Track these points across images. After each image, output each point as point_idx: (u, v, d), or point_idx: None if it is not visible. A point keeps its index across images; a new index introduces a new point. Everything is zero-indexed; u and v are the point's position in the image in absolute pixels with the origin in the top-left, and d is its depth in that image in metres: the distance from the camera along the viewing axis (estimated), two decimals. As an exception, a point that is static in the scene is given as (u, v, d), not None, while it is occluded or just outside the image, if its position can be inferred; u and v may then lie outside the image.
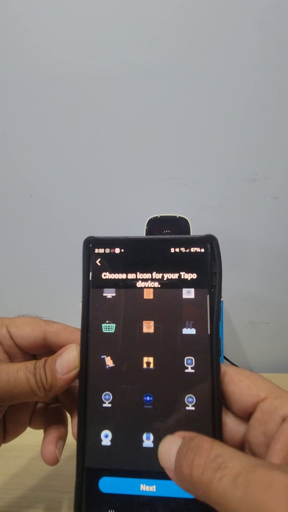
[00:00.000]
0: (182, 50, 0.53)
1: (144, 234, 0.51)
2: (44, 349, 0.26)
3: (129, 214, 0.60)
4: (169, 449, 0.18)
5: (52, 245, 0.62)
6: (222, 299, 0.50)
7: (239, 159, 0.57)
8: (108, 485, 0.21)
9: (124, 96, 0.55)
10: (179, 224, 0.50)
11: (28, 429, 0.29)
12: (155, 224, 0.51)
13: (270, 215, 0.58)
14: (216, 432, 0.21)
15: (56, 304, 0.65)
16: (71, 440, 0.27)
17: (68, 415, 0.28)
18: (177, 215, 0.51)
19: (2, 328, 0.26)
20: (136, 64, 0.54)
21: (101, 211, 0.60)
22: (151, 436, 0.22)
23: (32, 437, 0.28)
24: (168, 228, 0.50)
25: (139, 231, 0.51)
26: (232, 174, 0.57)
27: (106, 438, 0.22)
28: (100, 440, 0.22)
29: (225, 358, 0.55)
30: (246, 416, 0.21)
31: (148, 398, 0.22)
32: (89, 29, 0.53)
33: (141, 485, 0.21)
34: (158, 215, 0.51)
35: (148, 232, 0.51)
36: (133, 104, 0.56)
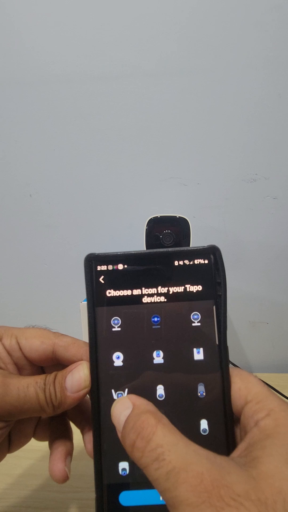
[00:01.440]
0: (182, 51, 0.53)
1: (144, 234, 0.51)
2: (52, 362, 0.26)
3: (129, 214, 0.60)
4: (120, 412, 0.19)
5: (52, 245, 0.62)
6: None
7: (239, 159, 0.57)
8: (128, 498, 0.22)
9: (124, 96, 0.55)
10: (179, 224, 0.50)
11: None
12: (155, 224, 0.51)
13: (270, 215, 0.58)
14: (229, 446, 0.21)
15: (56, 304, 0.65)
16: (74, 441, 0.27)
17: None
18: (177, 215, 0.51)
19: (12, 339, 0.26)
20: (136, 64, 0.54)
21: (101, 211, 0.60)
22: None
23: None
24: (168, 228, 0.50)
25: (139, 231, 0.51)
26: (232, 174, 0.57)
27: (124, 455, 0.22)
28: (117, 458, 0.22)
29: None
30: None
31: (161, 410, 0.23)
32: (90, 29, 0.53)
33: None
34: (158, 215, 0.51)
35: (148, 232, 0.51)
36: (133, 104, 0.56)
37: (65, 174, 0.59)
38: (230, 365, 0.23)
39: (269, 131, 0.55)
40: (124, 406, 0.19)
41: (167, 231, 0.50)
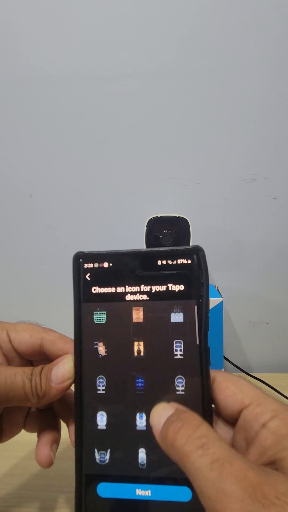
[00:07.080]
0: (182, 51, 0.53)
1: (144, 234, 0.51)
2: (40, 356, 0.27)
3: (129, 214, 0.60)
4: (161, 413, 0.20)
5: (52, 245, 0.62)
6: (221, 299, 0.49)
7: (239, 159, 0.57)
8: (106, 490, 0.22)
9: (124, 96, 0.55)
10: (179, 224, 0.50)
11: (28, 428, 0.29)
12: (155, 224, 0.51)
13: (270, 215, 0.58)
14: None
15: (56, 304, 0.65)
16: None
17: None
18: (177, 215, 0.51)
19: (2, 332, 0.27)
20: (136, 64, 0.54)
21: (101, 211, 0.60)
22: (145, 446, 0.23)
23: (31, 437, 0.29)
24: (168, 228, 0.50)
25: (139, 231, 0.51)
26: (232, 174, 0.57)
27: (103, 446, 0.23)
28: (97, 448, 0.23)
29: (225, 358, 0.55)
30: (234, 422, 0.21)
31: (140, 416, 0.23)
32: (90, 29, 0.53)
33: (137, 490, 0.22)
34: (158, 215, 0.51)
35: (148, 232, 0.51)
36: (133, 104, 0.56)
37: (65, 174, 0.59)
38: (220, 371, 0.23)
39: (269, 131, 0.55)
40: (166, 408, 0.20)
41: (167, 231, 0.50)
